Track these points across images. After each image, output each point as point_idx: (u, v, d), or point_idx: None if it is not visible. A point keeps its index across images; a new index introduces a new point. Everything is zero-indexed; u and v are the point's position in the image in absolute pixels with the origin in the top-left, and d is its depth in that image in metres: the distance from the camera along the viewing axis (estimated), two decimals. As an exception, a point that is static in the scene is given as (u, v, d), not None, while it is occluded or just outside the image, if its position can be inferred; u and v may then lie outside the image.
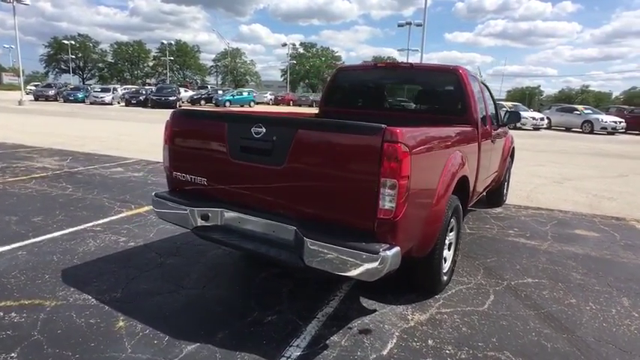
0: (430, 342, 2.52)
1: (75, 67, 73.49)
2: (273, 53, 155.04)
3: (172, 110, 3.08)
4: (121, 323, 2.55)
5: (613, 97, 74.37)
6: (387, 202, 2.16)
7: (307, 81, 74.57)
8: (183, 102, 34.15)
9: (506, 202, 6.15)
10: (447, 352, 2.43)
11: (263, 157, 2.53)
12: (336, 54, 77.13)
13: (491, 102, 4.92)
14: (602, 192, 7.30)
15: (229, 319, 2.67)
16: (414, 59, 38.98)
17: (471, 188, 3.64)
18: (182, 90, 37.24)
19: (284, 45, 58.30)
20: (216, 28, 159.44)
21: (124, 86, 41.72)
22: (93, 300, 2.81)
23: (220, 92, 38.14)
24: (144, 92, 33.27)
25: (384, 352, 2.40)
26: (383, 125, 2.17)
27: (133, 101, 31.57)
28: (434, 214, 2.64)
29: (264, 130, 2.51)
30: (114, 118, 20.24)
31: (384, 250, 2.16)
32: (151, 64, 78.89)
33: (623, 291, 3.37)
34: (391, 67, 4.32)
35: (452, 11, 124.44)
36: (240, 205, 2.72)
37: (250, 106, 36.28)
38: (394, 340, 2.52)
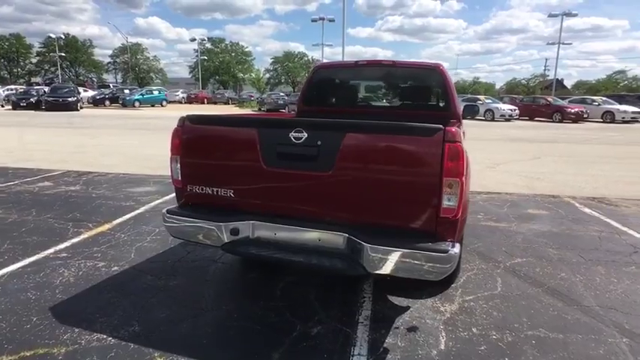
0: (475, 330, 2.64)
1: None
2: (175, 49, 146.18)
3: (182, 116, 2.76)
4: (160, 360, 2.26)
5: (497, 87, 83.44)
6: (449, 201, 2.21)
7: (218, 77, 71.99)
8: (84, 103, 30.89)
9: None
10: (494, 337, 2.57)
11: (307, 163, 2.41)
12: (246, 49, 75.56)
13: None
14: (530, 174, 8.22)
15: (275, 336, 2.52)
16: (329, 52, 39.77)
17: None
18: (81, 90, 33.60)
19: (192, 40, 55.75)
20: (109, 21, 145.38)
21: (7, 87, 36.35)
22: (110, 339, 2.45)
23: (127, 91, 35.18)
24: (35, 93, 29.32)
25: (442, 347, 2.46)
26: (441, 126, 2.20)
27: (22, 103, 27.64)
28: (465, 206, 2.75)
29: (305, 135, 2.39)
30: (5, 124, 17.59)
31: (452, 247, 2.20)
32: (34, 60, 69.70)
33: (594, 261, 3.85)
34: (373, 65, 4.36)
35: (353, 7, 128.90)
36: (276, 215, 2.56)
37: (163, 106, 34.14)
38: (443, 334, 2.60)
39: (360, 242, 2.27)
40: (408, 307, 2.92)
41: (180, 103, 42.41)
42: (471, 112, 5.60)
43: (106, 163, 8.39)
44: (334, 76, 4.57)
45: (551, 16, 36.95)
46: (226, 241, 2.56)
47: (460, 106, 4.16)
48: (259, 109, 32.86)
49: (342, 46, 28.76)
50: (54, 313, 2.72)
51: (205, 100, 43.83)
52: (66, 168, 7.86)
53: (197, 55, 59.30)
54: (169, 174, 2.86)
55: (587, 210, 5.62)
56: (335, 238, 2.42)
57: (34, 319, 2.64)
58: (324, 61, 43.29)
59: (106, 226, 4.52)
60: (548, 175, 8.13)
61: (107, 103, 33.31)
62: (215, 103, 43.75)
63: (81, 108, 28.26)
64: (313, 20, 36.63)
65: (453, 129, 2.20)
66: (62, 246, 3.92)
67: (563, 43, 39.63)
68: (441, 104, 4.07)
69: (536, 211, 5.51)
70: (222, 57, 70.57)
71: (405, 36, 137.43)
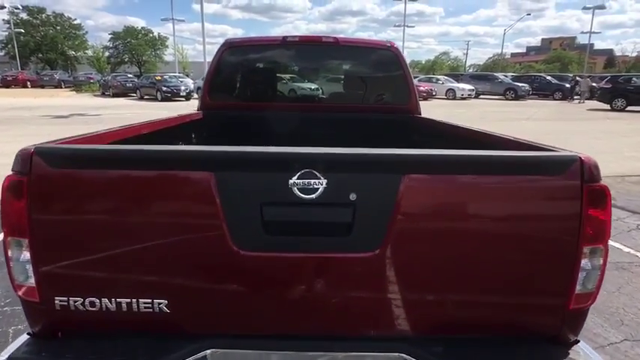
0: None
1: None
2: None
3: (22, 151, 1.22)
4: None
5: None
6: (587, 283, 1.30)
7: (41, 55, 59.79)
8: None
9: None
10: None
11: (330, 238, 1.23)
12: (75, 22, 63.96)
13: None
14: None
15: None
16: (177, 29, 36.01)
17: None
18: None
19: (1, 8, 44.64)
20: None
21: None
22: None
23: None
24: None
25: None
26: (576, 154, 1.26)
27: None
28: None
29: (324, 182, 1.19)
30: None
31: (591, 354, 1.31)
32: None
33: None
34: (308, 42, 3.18)
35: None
36: (260, 334, 1.32)
37: (-35, 92, 26.50)
38: None
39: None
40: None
41: (-8, 87, 33.82)
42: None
43: None
44: (252, 57, 3.25)
45: (396, -1, 40.06)
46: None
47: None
48: (102, 94, 28.12)
49: (201, 22, 25.93)
50: None
51: (28, 82, 35.72)
52: None
53: (9, 28, 47.95)
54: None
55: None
56: (382, 364, 1.32)
57: None
58: (174, 38, 39.03)
59: None
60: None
61: None
62: (42, 86, 35.99)
63: None
64: (161, -9, 32.45)
65: (591, 158, 1.27)
66: None
67: (408, 26, 43.47)
68: (400, 95, 3.18)
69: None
70: (44, 30, 58.68)
71: (253, 14, 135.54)
